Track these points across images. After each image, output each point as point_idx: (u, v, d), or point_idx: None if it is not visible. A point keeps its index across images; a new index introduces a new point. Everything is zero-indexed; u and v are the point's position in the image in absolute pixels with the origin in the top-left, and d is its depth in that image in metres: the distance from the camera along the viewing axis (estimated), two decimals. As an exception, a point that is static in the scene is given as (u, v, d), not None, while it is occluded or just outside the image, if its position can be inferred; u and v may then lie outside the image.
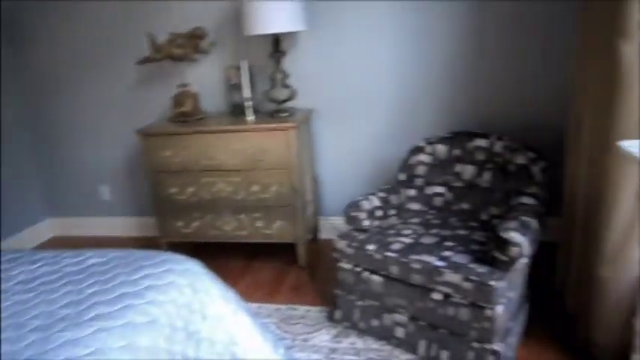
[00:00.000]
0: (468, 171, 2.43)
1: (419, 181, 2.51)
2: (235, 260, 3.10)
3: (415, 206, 2.48)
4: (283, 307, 2.54)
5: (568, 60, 2.47)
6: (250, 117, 2.83)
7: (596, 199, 1.90)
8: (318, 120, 3.10)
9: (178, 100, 3.02)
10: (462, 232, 2.21)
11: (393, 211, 2.41)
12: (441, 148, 2.49)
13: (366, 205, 2.29)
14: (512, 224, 1.92)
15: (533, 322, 2.21)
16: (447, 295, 1.95)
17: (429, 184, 2.50)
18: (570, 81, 2.35)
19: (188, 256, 1.84)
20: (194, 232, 2.98)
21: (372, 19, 2.87)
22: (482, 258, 1.96)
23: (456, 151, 2.46)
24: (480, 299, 1.86)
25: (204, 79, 3.17)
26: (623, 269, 1.79)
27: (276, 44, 2.80)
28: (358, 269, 2.19)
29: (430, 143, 2.52)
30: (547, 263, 2.39)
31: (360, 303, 2.23)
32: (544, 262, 2.35)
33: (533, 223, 1.99)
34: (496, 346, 1.89)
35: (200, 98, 3.12)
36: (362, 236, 2.22)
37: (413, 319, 2.09)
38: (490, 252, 1.93)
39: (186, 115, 2.98)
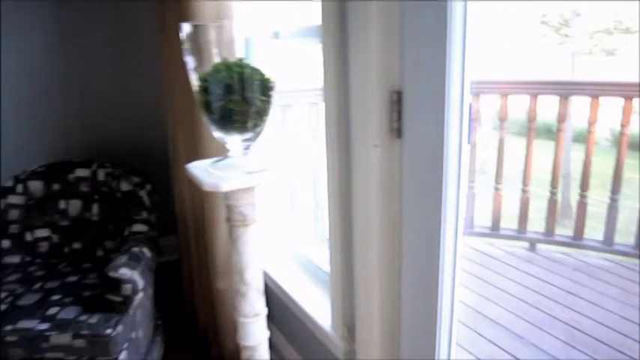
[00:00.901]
0: (74, 206, 2.15)
1: (14, 228, 2.09)
2: None
3: (13, 259, 2.05)
4: None
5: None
6: None
7: (201, 215, 1.93)
8: None
9: None
10: (72, 278, 1.94)
11: (-19, 273, 1.94)
12: (36, 185, 2.13)
13: (-64, 275, 1.76)
14: (122, 259, 1.78)
15: (172, 346, 2.16)
16: (59, 361, 1.67)
17: (28, 229, 2.11)
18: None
19: None
20: None
21: None
22: (97, 304, 1.75)
23: (56, 186, 2.15)
24: (98, 353, 1.66)
25: None
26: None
27: None
28: (-64, 363, 1.67)
29: (20, 181, 2.13)
30: (178, 282, 2.37)
31: (-52, 404, 1.71)
32: (175, 281, 2.32)
33: (146, 251, 1.90)
34: (128, 395, 1.73)
35: None
36: None
37: (25, 400, 1.72)
38: (104, 295, 1.74)
39: None
